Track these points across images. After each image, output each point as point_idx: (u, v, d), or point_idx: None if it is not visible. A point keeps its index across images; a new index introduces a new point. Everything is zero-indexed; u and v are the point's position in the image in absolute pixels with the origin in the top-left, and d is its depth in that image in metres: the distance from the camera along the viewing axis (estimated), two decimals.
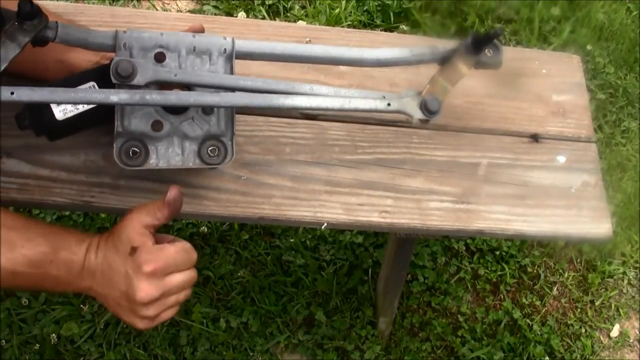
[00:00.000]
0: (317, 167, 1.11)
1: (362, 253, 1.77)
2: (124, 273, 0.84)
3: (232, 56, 0.96)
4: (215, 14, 2.16)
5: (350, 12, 2.25)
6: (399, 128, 1.17)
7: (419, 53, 1.02)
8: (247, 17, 2.16)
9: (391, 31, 2.22)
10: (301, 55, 1.00)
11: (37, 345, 1.56)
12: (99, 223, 1.72)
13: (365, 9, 2.28)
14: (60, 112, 0.93)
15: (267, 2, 2.22)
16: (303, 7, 2.25)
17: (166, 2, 2.23)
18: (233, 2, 2.21)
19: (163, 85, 0.93)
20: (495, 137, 1.20)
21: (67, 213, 1.72)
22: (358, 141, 1.14)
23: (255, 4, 2.21)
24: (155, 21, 1.22)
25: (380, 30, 2.21)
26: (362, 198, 1.09)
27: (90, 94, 0.88)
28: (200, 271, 1.70)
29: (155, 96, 0.89)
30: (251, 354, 1.61)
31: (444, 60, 1.02)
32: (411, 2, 2.30)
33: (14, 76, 0.87)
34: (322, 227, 1.08)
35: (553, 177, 1.18)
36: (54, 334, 1.57)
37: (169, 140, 0.95)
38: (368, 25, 2.25)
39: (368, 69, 1.22)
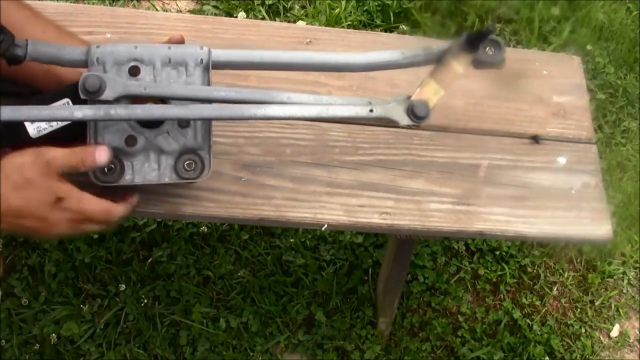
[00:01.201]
0: (317, 169, 1.11)
1: (362, 253, 1.77)
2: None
3: (209, 66, 0.93)
4: (215, 14, 2.16)
5: (350, 12, 2.25)
6: (399, 129, 1.17)
7: (410, 55, 0.98)
8: (247, 17, 2.16)
9: (391, 31, 2.22)
10: (281, 63, 0.96)
11: (37, 345, 1.56)
12: None
13: (365, 9, 2.28)
14: (35, 130, 0.91)
15: (267, 2, 2.21)
16: (303, 7, 2.25)
17: (166, 2, 2.23)
18: (233, 2, 2.21)
19: (135, 99, 0.91)
20: (495, 139, 1.20)
21: None
22: (358, 142, 1.14)
23: (255, 4, 2.21)
24: (155, 22, 1.22)
25: (380, 31, 2.21)
26: (363, 199, 1.09)
27: (55, 110, 0.86)
28: (200, 271, 1.70)
29: (121, 111, 0.87)
30: (251, 354, 1.61)
31: (440, 61, 0.98)
32: (411, 2, 2.30)
33: (6, 80, 0.87)
34: (323, 229, 1.08)
35: (553, 178, 1.18)
36: (54, 334, 1.57)
37: (145, 155, 0.93)
38: (368, 25, 2.25)
39: None
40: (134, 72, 0.91)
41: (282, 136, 1.12)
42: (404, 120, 0.96)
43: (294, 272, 1.72)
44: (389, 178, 1.12)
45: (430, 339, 1.69)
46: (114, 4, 2.16)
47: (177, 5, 2.23)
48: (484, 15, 2.34)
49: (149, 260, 1.70)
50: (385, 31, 2.21)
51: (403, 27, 2.26)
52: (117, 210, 0.91)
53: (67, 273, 1.66)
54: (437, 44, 0.99)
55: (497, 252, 1.84)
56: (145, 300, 1.64)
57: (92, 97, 0.87)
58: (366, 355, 1.63)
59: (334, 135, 1.14)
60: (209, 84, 0.93)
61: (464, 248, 1.84)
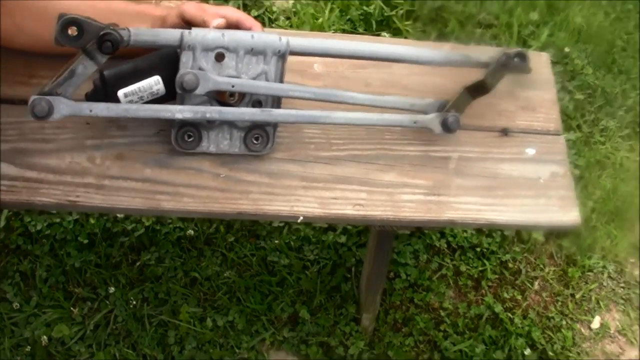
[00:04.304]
0: (293, 164, 1.14)
1: (345, 252, 1.81)
2: None
3: (285, 56, 1.04)
4: None
5: (334, 21, 2.29)
6: (372, 125, 1.20)
7: (452, 57, 1.16)
8: None
9: None
10: (352, 53, 1.10)
11: (29, 347, 1.59)
12: (89, 229, 1.76)
13: (348, 17, 2.32)
14: (126, 99, 1.02)
15: (252, 14, 2.26)
16: (288, 18, 2.30)
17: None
18: None
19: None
20: (467, 132, 1.23)
21: (58, 220, 1.76)
22: (332, 138, 1.18)
23: None
24: None
25: None
26: (337, 192, 1.13)
27: (159, 111, 1.01)
28: (188, 273, 1.74)
29: (215, 114, 1.03)
30: (237, 351, 1.64)
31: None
32: (393, 10, 2.35)
33: None
34: (298, 221, 1.11)
35: (522, 168, 1.21)
36: (45, 336, 1.60)
37: (220, 128, 1.07)
38: (351, 33, 2.29)
39: (343, 70, 1.27)
40: (219, 58, 1.02)
41: None
42: (438, 130, 1.15)
43: (279, 271, 1.76)
44: (363, 172, 1.16)
45: (413, 334, 1.73)
46: None
47: None
48: (464, 20, 2.39)
49: (138, 264, 1.74)
50: None
51: (385, 34, 2.31)
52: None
53: (58, 277, 1.70)
54: (476, 52, 1.17)
55: (478, 249, 1.88)
56: (134, 302, 1.68)
57: (187, 93, 1.00)
58: (350, 351, 1.67)
59: (308, 132, 1.18)
60: (282, 71, 1.05)
61: (445, 245, 1.87)
